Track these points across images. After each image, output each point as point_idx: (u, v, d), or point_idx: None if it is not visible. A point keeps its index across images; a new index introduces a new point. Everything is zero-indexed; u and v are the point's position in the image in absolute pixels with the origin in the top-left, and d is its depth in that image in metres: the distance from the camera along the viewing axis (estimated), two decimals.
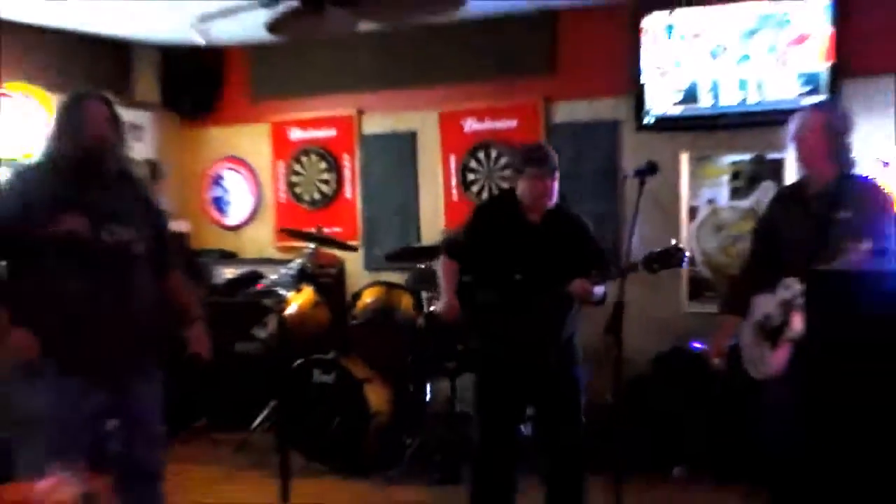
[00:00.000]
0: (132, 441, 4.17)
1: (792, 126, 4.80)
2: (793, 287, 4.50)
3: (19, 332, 3.96)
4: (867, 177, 4.80)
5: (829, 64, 6.66)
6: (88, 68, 8.16)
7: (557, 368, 5.21)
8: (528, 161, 5.22)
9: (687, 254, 5.02)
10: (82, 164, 4.07)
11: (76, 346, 3.99)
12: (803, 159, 4.79)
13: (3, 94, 7.26)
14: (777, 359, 4.61)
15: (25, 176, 4.25)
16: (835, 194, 4.58)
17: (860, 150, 6.09)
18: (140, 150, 8.48)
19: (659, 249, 5.18)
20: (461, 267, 5.40)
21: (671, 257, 4.99)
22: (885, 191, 4.68)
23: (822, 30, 6.67)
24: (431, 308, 6.93)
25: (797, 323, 4.43)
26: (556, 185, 5.19)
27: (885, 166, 6.26)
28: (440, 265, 5.55)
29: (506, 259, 5.24)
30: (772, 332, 4.64)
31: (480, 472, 5.38)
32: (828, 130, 4.69)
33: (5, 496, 3.06)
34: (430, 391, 7.15)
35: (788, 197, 5.02)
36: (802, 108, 5.11)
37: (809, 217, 4.62)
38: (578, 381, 5.25)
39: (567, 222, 5.28)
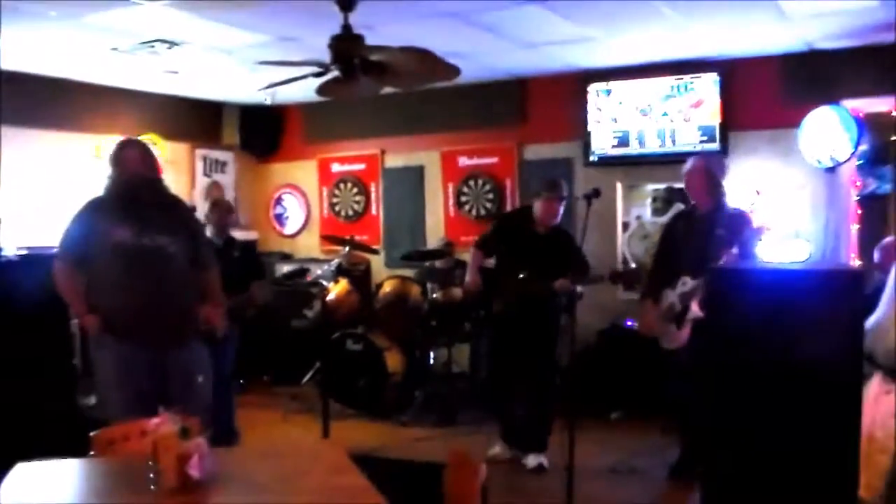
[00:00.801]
0: (174, 392, 4.02)
1: (683, 169, 4.99)
2: (688, 283, 4.73)
3: (88, 315, 4.03)
4: (735, 206, 4.99)
5: (719, 121, 6.72)
6: (192, 121, 8.32)
7: (544, 329, 5.37)
8: (545, 187, 5.38)
9: (642, 275, 5.20)
10: (124, 192, 4.07)
11: (125, 322, 3.99)
12: (690, 192, 5.01)
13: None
14: (682, 335, 4.75)
15: (92, 204, 4.17)
16: (713, 217, 4.80)
17: (742, 182, 6.24)
18: (224, 179, 8.60)
19: (622, 269, 5.40)
20: (485, 255, 5.59)
21: (630, 277, 5.28)
22: (748, 215, 4.92)
23: (713, 98, 6.73)
24: (434, 296, 6.96)
25: (695, 309, 4.58)
26: (562, 209, 5.30)
27: (758, 194, 6.30)
28: (471, 254, 5.69)
29: (516, 256, 5.35)
30: (676, 317, 4.78)
31: (492, 387, 5.66)
32: (707, 173, 4.92)
33: (120, 431, 3.06)
34: (433, 357, 7.15)
35: (682, 218, 5.23)
36: (691, 156, 5.22)
37: (697, 233, 4.83)
38: (555, 341, 5.40)
39: (563, 236, 5.39)
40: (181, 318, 4.15)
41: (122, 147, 4.19)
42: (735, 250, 4.50)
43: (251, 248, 6.26)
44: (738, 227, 4.70)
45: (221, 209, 5.94)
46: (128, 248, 3.99)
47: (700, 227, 4.81)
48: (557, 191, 5.32)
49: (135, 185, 4.06)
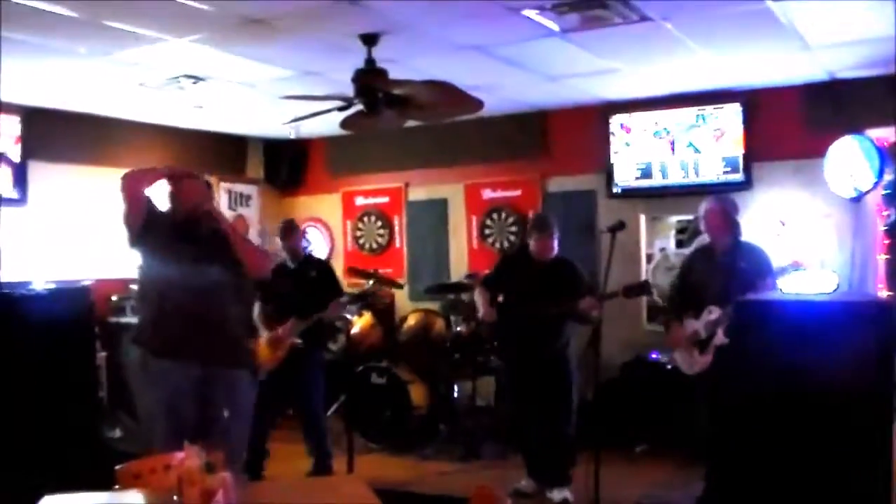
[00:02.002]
0: (211, 422, 4.06)
1: (700, 211, 5.27)
2: (715, 312, 4.95)
3: None
4: (751, 242, 5.23)
5: (742, 151, 6.71)
6: (216, 155, 8.40)
7: (555, 363, 5.39)
8: (536, 226, 5.59)
9: (654, 289, 5.30)
10: (182, 222, 4.13)
11: (175, 346, 4.04)
12: (708, 231, 5.29)
13: None
14: (705, 360, 5.01)
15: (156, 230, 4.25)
16: (735, 252, 5.06)
17: (766, 213, 6.23)
18: (249, 212, 8.70)
19: (635, 283, 5.55)
20: (491, 293, 5.66)
21: (643, 288, 5.69)
22: (765, 251, 5.16)
23: (736, 128, 6.74)
24: (458, 329, 6.95)
25: (720, 336, 4.86)
26: (555, 243, 5.42)
27: (783, 224, 6.30)
28: (476, 292, 5.80)
29: (519, 290, 5.46)
30: (700, 343, 4.95)
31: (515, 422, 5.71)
32: (723, 214, 5.15)
33: (146, 465, 3.07)
34: (457, 390, 7.11)
35: (702, 253, 5.45)
36: (707, 199, 5.35)
37: (719, 267, 5.07)
38: (569, 373, 5.42)
39: (563, 266, 5.49)
40: (229, 345, 4.19)
41: (179, 179, 4.24)
42: (768, 283, 4.69)
43: (327, 266, 6.21)
44: (757, 260, 4.99)
45: (287, 230, 5.93)
46: (182, 276, 4.05)
47: (722, 261, 5.06)
48: (548, 230, 5.46)
49: (192, 215, 4.14)
